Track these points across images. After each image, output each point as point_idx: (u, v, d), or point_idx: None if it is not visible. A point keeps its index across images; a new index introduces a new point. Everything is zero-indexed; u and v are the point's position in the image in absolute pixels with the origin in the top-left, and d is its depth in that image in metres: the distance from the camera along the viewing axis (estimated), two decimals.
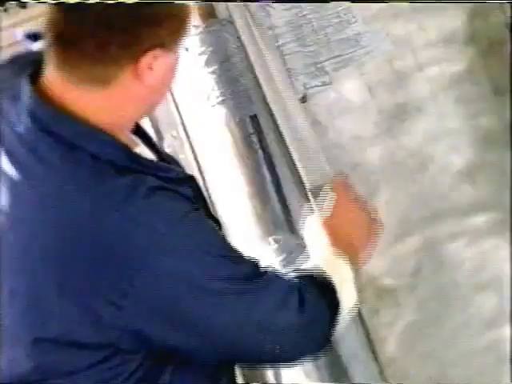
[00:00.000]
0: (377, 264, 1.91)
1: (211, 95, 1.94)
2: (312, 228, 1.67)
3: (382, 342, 1.96)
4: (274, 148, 1.95)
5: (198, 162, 2.08)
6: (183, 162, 1.81)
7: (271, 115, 1.92)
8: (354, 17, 1.94)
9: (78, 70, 1.39)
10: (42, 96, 1.41)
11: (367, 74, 1.95)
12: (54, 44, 1.39)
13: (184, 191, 1.43)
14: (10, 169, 1.41)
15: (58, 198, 1.37)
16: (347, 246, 1.60)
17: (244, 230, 2.01)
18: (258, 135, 1.95)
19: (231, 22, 1.87)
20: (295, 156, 1.85)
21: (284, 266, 1.92)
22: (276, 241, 1.91)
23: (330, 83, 1.94)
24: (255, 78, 1.91)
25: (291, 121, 1.87)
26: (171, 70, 1.45)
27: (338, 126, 1.95)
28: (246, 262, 1.45)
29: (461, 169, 1.99)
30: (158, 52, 1.38)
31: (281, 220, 1.93)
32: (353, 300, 1.57)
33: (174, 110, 2.07)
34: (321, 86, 1.93)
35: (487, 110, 2.00)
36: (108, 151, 1.39)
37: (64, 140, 1.38)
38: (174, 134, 2.12)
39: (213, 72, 1.90)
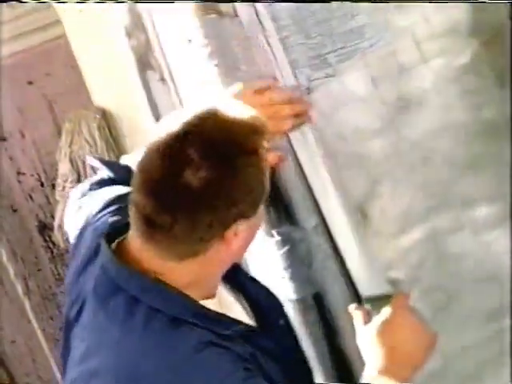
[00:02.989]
0: (381, 256, 1.92)
1: (214, 88, 1.93)
2: (366, 338, 1.66)
3: None
4: None
5: None
6: None
7: None
8: (357, 9, 1.93)
9: (166, 248, 1.43)
10: (121, 256, 1.47)
11: (371, 66, 1.94)
12: (143, 225, 1.41)
13: (236, 348, 1.43)
14: (87, 316, 1.49)
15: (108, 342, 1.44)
16: (401, 362, 1.60)
17: None
18: None
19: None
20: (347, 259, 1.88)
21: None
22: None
23: (334, 75, 1.93)
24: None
25: None
26: (255, 229, 1.49)
27: (341, 118, 1.94)
28: None
29: (464, 161, 1.99)
30: (241, 221, 1.42)
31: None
32: None
33: (177, 102, 2.06)
34: (324, 77, 1.93)
35: (491, 102, 1.99)
36: (165, 305, 1.42)
37: (128, 294, 1.43)
38: None
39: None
